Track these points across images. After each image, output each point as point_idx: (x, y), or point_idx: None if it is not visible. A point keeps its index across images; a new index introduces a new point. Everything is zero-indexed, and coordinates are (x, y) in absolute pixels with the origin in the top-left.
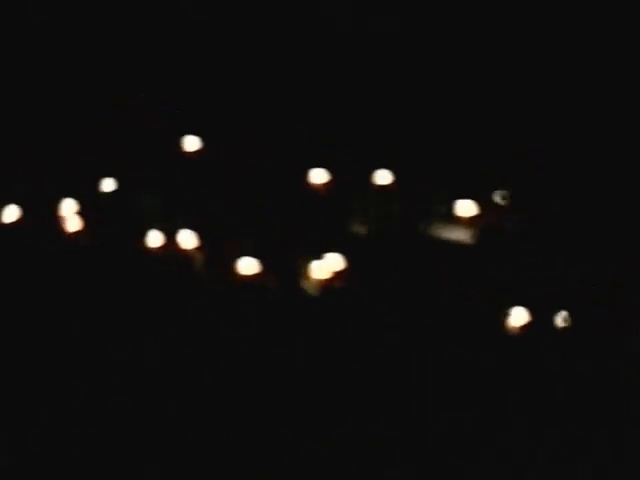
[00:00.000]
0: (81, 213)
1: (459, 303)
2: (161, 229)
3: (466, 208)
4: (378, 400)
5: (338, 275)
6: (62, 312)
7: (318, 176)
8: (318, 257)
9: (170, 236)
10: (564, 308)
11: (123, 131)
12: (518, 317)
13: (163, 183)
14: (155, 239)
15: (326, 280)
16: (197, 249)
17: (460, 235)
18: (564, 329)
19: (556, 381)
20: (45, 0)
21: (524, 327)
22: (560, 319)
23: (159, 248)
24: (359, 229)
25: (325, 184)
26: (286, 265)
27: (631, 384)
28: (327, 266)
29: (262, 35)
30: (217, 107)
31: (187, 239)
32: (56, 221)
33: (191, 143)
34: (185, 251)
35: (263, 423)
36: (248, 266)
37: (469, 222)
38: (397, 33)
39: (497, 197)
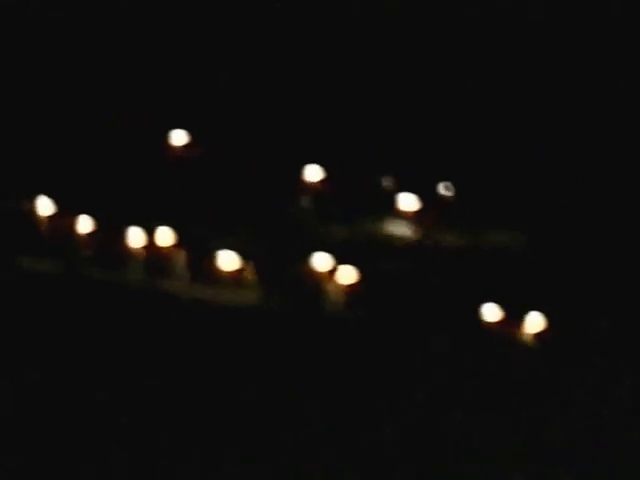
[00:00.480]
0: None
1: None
2: (143, 226)
3: (409, 202)
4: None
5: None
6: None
7: (313, 173)
8: (307, 258)
9: (151, 233)
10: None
11: (109, 125)
12: (534, 323)
13: (149, 179)
14: (136, 237)
15: (347, 286)
16: (177, 246)
17: (404, 230)
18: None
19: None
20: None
21: (540, 334)
22: (442, 188)
23: (141, 246)
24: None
25: (320, 181)
26: (275, 266)
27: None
28: (348, 273)
29: (255, 31)
30: (206, 100)
31: (167, 236)
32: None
33: (179, 137)
34: (166, 249)
35: (260, 424)
36: (232, 263)
37: (413, 216)
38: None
39: (441, 189)
